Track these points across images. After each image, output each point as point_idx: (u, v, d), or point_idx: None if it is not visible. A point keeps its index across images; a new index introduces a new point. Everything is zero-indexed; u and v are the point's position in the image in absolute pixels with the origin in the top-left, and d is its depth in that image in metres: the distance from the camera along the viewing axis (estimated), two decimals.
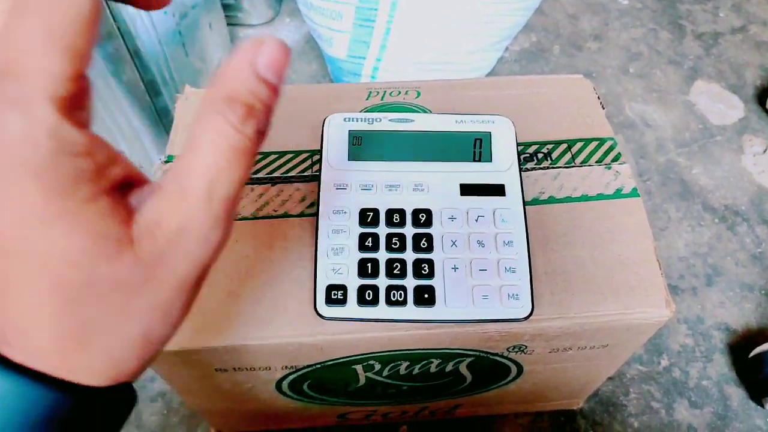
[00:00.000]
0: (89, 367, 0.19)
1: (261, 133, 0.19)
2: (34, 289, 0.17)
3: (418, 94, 0.47)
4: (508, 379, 0.46)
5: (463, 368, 0.42)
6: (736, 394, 0.61)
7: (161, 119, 0.67)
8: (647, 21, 1.04)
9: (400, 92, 0.47)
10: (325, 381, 0.43)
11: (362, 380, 0.43)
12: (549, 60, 0.98)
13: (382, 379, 0.43)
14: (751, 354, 0.61)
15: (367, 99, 0.47)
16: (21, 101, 0.15)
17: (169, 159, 0.42)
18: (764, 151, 0.85)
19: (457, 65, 0.80)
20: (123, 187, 0.19)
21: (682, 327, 0.66)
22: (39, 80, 0.16)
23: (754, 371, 0.60)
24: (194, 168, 0.18)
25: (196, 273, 0.20)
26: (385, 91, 0.47)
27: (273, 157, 0.42)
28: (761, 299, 0.68)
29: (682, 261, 0.72)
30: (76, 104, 0.17)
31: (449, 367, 0.42)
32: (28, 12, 0.16)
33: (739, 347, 0.64)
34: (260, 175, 0.41)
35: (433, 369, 0.42)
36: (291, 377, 0.41)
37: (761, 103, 0.90)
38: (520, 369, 0.43)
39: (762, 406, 0.60)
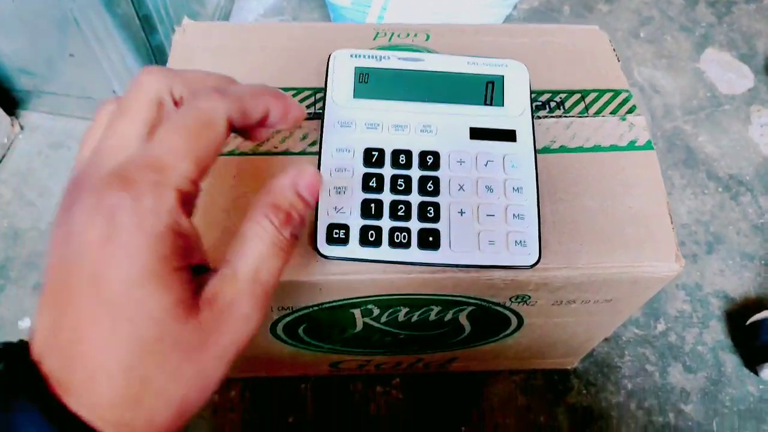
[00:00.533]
0: (132, 426, 0.20)
1: (295, 237, 0.25)
2: (114, 338, 0.20)
3: (428, 37, 0.45)
4: (507, 332, 0.45)
5: (462, 318, 0.42)
6: (731, 360, 0.61)
7: (156, 58, 0.64)
8: None
9: (408, 34, 0.45)
10: (322, 325, 0.42)
11: (359, 326, 0.42)
12: (558, 20, 0.95)
13: (379, 325, 0.42)
14: (748, 321, 0.61)
15: (374, 39, 0.45)
16: (158, 186, 0.21)
17: None
18: None
19: (466, 18, 0.78)
20: (197, 268, 0.23)
21: (680, 293, 0.66)
22: (174, 176, 0.21)
23: (750, 338, 0.60)
24: (244, 255, 0.23)
25: (235, 348, 0.23)
26: (393, 33, 0.45)
27: None
28: (761, 269, 0.68)
29: (684, 228, 0.71)
30: (189, 199, 0.22)
31: (449, 316, 0.41)
32: (181, 130, 0.22)
33: (736, 315, 0.64)
34: None
35: (432, 317, 0.41)
36: (287, 320, 0.40)
37: None
38: (520, 321, 0.43)
39: (756, 373, 0.60)
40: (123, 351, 0.20)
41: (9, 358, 0.20)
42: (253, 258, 0.23)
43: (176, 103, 0.24)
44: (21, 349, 0.21)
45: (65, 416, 0.19)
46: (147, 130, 0.23)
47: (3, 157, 0.73)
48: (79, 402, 0.20)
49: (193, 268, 0.22)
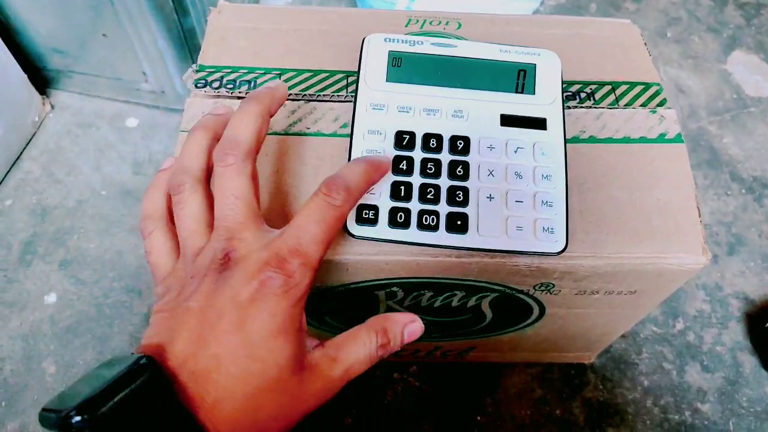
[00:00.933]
0: None
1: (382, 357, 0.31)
2: (245, 373, 0.25)
3: (459, 25, 0.45)
4: (529, 321, 0.45)
5: (485, 305, 0.42)
6: (749, 362, 0.61)
7: (187, 41, 0.65)
8: None
9: (440, 22, 0.46)
10: (346, 306, 0.42)
11: (383, 309, 0.42)
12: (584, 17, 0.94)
13: (402, 309, 0.42)
14: None
15: (405, 26, 0.45)
16: (303, 267, 0.27)
17: (201, 68, 0.41)
18: None
19: (492, 10, 0.78)
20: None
21: (700, 293, 0.65)
22: (313, 260, 0.27)
23: None
24: (348, 351, 0.29)
25: (315, 408, 0.28)
26: (425, 20, 0.46)
27: (307, 75, 0.41)
28: None
29: (705, 228, 0.70)
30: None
31: (472, 302, 0.41)
32: (322, 223, 0.28)
33: (756, 317, 0.63)
34: (293, 91, 0.40)
35: (455, 302, 0.41)
36: (311, 300, 0.40)
37: None
38: (542, 311, 0.43)
39: None
40: (250, 384, 0.25)
41: (151, 371, 0.24)
42: (353, 357, 0.29)
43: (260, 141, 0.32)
44: (157, 366, 0.25)
45: (194, 426, 0.24)
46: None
47: (33, 135, 0.74)
48: (206, 417, 0.24)
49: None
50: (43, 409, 0.23)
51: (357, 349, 0.29)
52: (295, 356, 0.27)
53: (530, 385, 0.59)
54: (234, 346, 0.26)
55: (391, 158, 0.35)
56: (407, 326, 0.31)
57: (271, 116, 0.32)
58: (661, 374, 0.60)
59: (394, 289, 0.39)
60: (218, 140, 0.31)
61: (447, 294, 0.40)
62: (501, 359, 0.59)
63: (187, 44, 0.66)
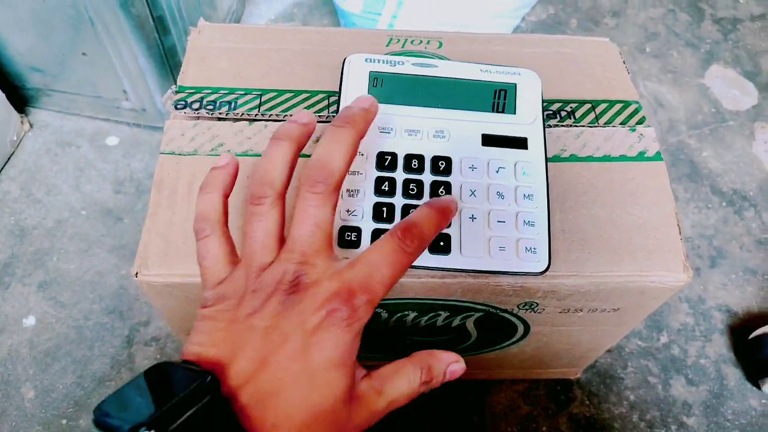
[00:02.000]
0: None
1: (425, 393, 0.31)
2: (304, 401, 0.25)
3: (440, 44, 0.46)
4: (514, 339, 0.45)
5: (469, 324, 0.42)
6: (733, 374, 0.61)
7: (168, 59, 0.65)
8: (667, 2, 1.02)
9: (421, 41, 0.46)
10: None
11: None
12: (565, 33, 0.96)
13: (387, 330, 0.42)
14: (751, 336, 0.61)
15: (387, 45, 0.45)
16: (368, 304, 0.27)
17: (180, 89, 0.40)
18: None
19: (475, 29, 0.78)
20: None
21: (683, 306, 0.66)
22: (377, 298, 0.27)
23: (753, 352, 0.60)
24: (393, 384, 0.29)
25: None
26: (406, 39, 0.46)
27: (288, 95, 0.41)
28: (764, 283, 0.68)
29: (687, 242, 0.71)
30: None
31: (456, 321, 0.41)
32: (390, 266, 0.28)
33: (739, 329, 0.64)
34: (274, 112, 0.40)
35: (439, 322, 0.41)
36: None
37: None
38: (527, 329, 0.43)
39: (758, 387, 0.60)
40: (307, 412, 0.25)
41: (212, 392, 0.24)
42: (398, 391, 0.29)
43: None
44: (215, 385, 0.25)
45: None
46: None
47: (11, 154, 0.73)
48: None
49: None
50: (102, 414, 0.23)
51: (401, 383, 0.29)
52: (349, 388, 0.27)
53: (516, 402, 0.59)
54: (296, 373, 0.26)
55: (373, 178, 0.35)
56: (451, 365, 0.31)
57: (361, 139, 0.32)
58: (646, 388, 0.60)
59: (378, 310, 0.39)
60: (300, 150, 0.31)
61: (431, 314, 0.40)
62: (487, 376, 0.59)
63: (168, 62, 0.65)
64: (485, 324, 0.42)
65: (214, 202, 0.31)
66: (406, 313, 0.40)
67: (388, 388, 0.28)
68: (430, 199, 0.33)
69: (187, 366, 0.25)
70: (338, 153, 0.30)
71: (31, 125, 0.76)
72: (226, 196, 0.32)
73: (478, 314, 0.40)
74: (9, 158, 0.72)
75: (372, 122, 0.33)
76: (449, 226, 0.34)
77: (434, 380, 0.30)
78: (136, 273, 0.34)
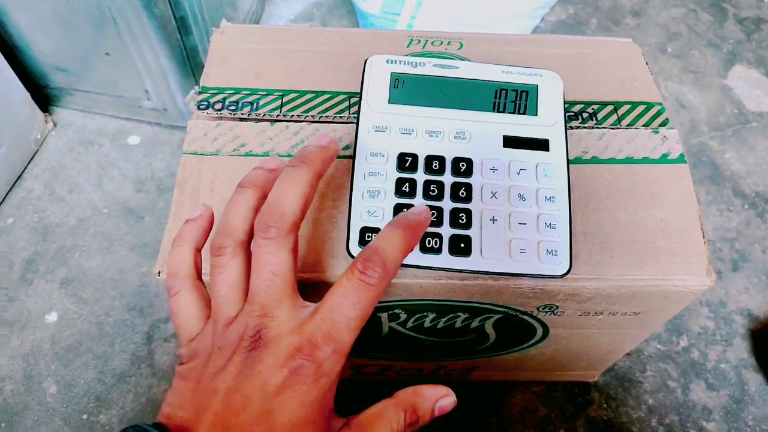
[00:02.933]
0: None
1: None
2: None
3: (461, 45, 0.46)
4: (532, 341, 0.45)
5: (488, 326, 0.42)
6: (754, 379, 0.60)
7: (189, 60, 0.65)
8: (688, 1, 1.01)
9: (442, 42, 0.46)
10: None
11: (385, 330, 0.42)
12: (585, 33, 0.95)
13: (405, 330, 0.42)
14: None
15: (407, 47, 0.45)
16: (335, 354, 0.26)
17: (203, 89, 0.41)
18: None
19: (494, 29, 0.78)
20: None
21: (704, 309, 0.65)
22: (346, 347, 0.26)
23: None
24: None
25: None
26: (426, 40, 0.46)
27: (309, 96, 0.41)
28: None
29: (709, 245, 0.70)
30: None
31: (475, 323, 0.41)
32: (357, 308, 0.26)
33: (761, 334, 0.63)
34: (296, 113, 0.40)
35: (458, 324, 0.41)
36: None
37: None
38: (546, 332, 0.43)
39: None
40: None
41: None
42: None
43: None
44: None
45: None
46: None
47: (35, 152, 0.74)
48: None
49: None
50: None
51: (383, 429, 0.27)
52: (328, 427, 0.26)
53: (534, 404, 0.59)
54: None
55: (394, 179, 0.35)
56: (439, 402, 0.29)
57: (320, 178, 0.31)
58: (665, 392, 0.59)
59: (397, 311, 0.39)
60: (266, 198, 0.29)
61: (450, 316, 0.40)
62: (505, 378, 0.58)
63: (190, 62, 0.66)
64: (504, 326, 0.42)
65: (184, 256, 0.30)
66: (425, 314, 0.40)
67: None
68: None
69: (157, 428, 0.25)
70: (291, 193, 0.28)
71: (54, 124, 0.77)
72: (198, 250, 0.31)
73: (497, 316, 0.40)
74: (33, 157, 0.74)
75: (332, 160, 0.32)
76: (470, 227, 0.34)
77: (420, 420, 0.28)
78: (159, 272, 0.34)
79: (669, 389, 0.60)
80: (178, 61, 0.64)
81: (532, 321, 0.41)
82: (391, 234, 0.28)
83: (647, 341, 0.62)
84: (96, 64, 0.67)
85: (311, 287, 0.35)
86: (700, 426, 0.58)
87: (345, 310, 0.26)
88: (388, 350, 0.48)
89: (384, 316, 0.40)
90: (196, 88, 0.41)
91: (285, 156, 0.38)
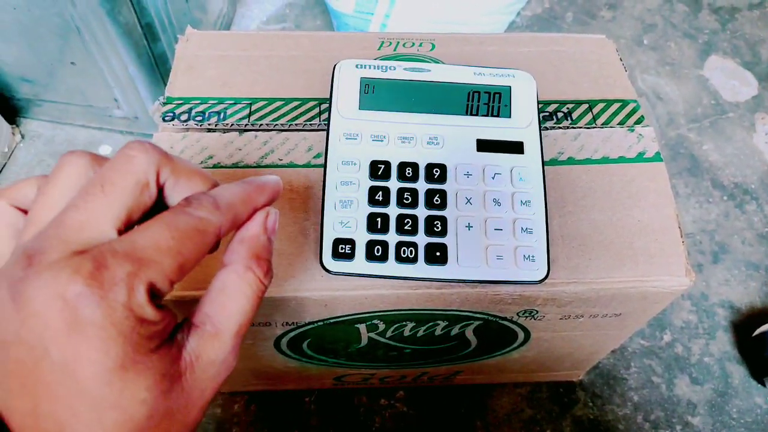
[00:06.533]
0: None
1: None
2: (100, 427, 0.20)
3: (433, 46, 0.45)
4: (514, 345, 0.44)
5: (469, 332, 0.41)
6: (738, 372, 0.61)
7: (158, 66, 0.64)
8: None
9: (414, 44, 0.45)
10: (326, 340, 0.41)
11: (364, 341, 0.41)
12: (561, 27, 0.95)
13: (384, 340, 0.41)
14: (755, 333, 0.60)
15: (378, 49, 0.44)
16: (132, 277, 0.20)
17: (169, 100, 0.39)
18: None
19: (469, 26, 0.77)
20: (173, 332, 0.22)
21: (686, 303, 0.65)
22: (153, 271, 0.20)
23: (757, 350, 0.59)
24: (227, 312, 0.23)
25: (214, 393, 0.23)
26: (398, 42, 0.45)
27: (278, 103, 0.40)
28: (767, 278, 0.67)
29: (689, 237, 0.70)
30: (161, 296, 0.21)
31: (455, 330, 0.40)
32: (173, 229, 0.21)
33: (743, 326, 0.63)
34: (264, 122, 0.39)
35: (438, 332, 0.40)
36: (291, 335, 0.39)
37: None
38: (527, 336, 0.42)
39: (763, 384, 0.59)
40: None
41: None
42: (238, 315, 0.23)
43: (159, 187, 0.23)
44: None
45: None
46: (125, 214, 0.22)
47: (3, 166, 0.72)
48: None
49: (171, 332, 0.22)
50: None
51: (238, 302, 0.23)
52: (161, 377, 0.21)
53: (520, 406, 0.58)
54: (71, 399, 0.20)
55: (367, 188, 0.34)
56: (269, 227, 0.25)
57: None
58: (650, 388, 0.59)
59: (375, 321, 0.38)
60: None
61: (430, 324, 0.39)
62: (489, 380, 0.58)
63: (159, 69, 0.64)
64: (485, 332, 0.41)
65: None
66: (404, 324, 0.39)
67: (223, 322, 0.23)
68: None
69: None
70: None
71: (22, 136, 0.75)
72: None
73: (477, 323, 0.39)
74: (1, 170, 0.72)
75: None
76: (445, 234, 0.33)
77: (269, 257, 0.25)
78: None
79: (654, 385, 0.60)
80: (146, 69, 0.63)
81: (513, 326, 0.40)
82: (230, 184, 0.25)
83: (631, 338, 0.62)
84: (62, 74, 0.66)
85: (292, 305, 0.35)
86: (686, 421, 0.58)
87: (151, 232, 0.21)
88: (369, 360, 0.47)
89: (362, 327, 0.39)
90: (161, 99, 0.40)
91: (254, 167, 0.37)
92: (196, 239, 0.22)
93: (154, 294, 0.21)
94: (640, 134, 0.40)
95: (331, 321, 0.37)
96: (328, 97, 0.37)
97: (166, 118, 0.39)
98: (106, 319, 0.19)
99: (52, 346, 0.19)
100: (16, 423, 0.20)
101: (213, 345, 0.22)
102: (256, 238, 0.25)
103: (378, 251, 0.33)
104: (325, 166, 0.35)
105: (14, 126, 0.74)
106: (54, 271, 0.19)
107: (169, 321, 0.22)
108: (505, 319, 0.39)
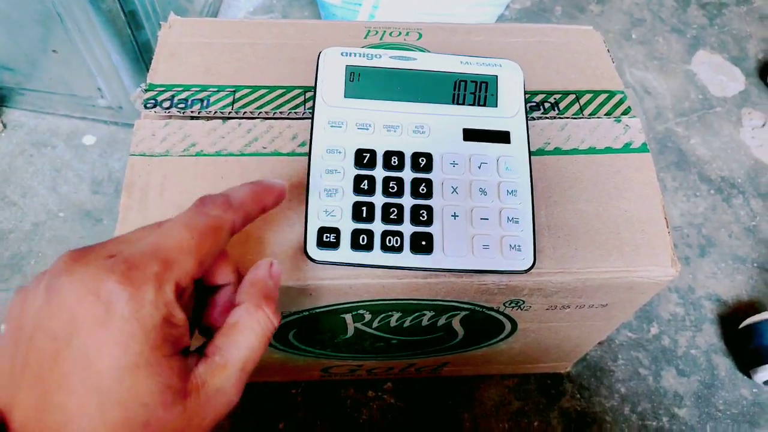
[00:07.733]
0: None
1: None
2: (102, 424, 0.20)
3: (420, 36, 0.44)
4: (501, 336, 0.44)
5: (455, 323, 0.41)
6: (724, 364, 0.61)
7: (143, 55, 0.63)
8: None
9: (400, 33, 0.44)
10: (312, 330, 0.41)
11: (351, 331, 0.41)
12: (550, 21, 0.94)
13: (371, 330, 0.41)
14: (741, 325, 0.60)
15: (365, 38, 0.44)
16: (160, 277, 0.22)
17: (150, 87, 0.39)
18: (763, 125, 0.83)
19: (458, 18, 0.77)
20: (185, 351, 0.24)
21: (672, 296, 0.65)
22: (177, 270, 0.22)
23: (744, 342, 0.59)
24: (237, 346, 0.24)
25: (214, 424, 0.23)
26: (384, 31, 0.45)
27: (262, 91, 0.39)
28: (753, 272, 0.67)
29: (676, 231, 0.70)
30: (185, 294, 0.23)
31: (442, 321, 0.40)
32: (192, 229, 0.23)
33: (729, 318, 0.64)
34: (248, 110, 0.38)
35: (425, 322, 0.40)
36: None
37: (762, 77, 0.89)
38: (514, 326, 0.42)
39: (749, 376, 0.59)
40: None
41: None
42: (246, 350, 0.24)
43: None
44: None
45: None
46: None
47: None
48: None
49: (183, 351, 0.23)
50: None
51: (247, 338, 0.24)
52: (167, 387, 0.21)
53: (507, 398, 0.58)
54: (82, 392, 0.20)
55: (352, 176, 0.34)
56: (273, 274, 0.27)
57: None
58: (637, 380, 0.59)
59: (361, 311, 0.38)
60: None
61: (416, 314, 0.39)
62: (476, 372, 0.58)
63: (143, 58, 0.63)
64: (471, 322, 0.41)
65: None
66: (390, 313, 0.38)
67: (232, 355, 0.24)
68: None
69: None
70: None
71: (4, 126, 0.73)
72: None
73: (463, 313, 0.39)
74: None
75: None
76: (431, 224, 0.33)
77: (276, 298, 0.26)
78: None
79: (641, 377, 0.60)
80: (130, 57, 0.62)
81: (500, 317, 0.40)
82: (240, 186, 0.28)
83: (618, 330, 0.62)
84: (44, 63, 0.65)
85: None
86: (672, 412, 0.58)
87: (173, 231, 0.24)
88: (356, 351, 0.46)
89: (348, 317, 0.39)
90: (143, 85, 0.39)
91: (237, 155, 0.36)
92: (213, 237, 0.24)
93: (180, 295, 0.23)
94: (627, 125, 0.40)
95: (317, 311, 0.37)
96: (313, 85, 0.37)
97: (148, 105, 0.38)
98: (133, 315, 0.21)
99: (75, 339, 0.20)
100: (18, 418, 0.20)
101: (219, 375, 0.24)
102: (264, 281, 0.26)
103: (363, 240, 0.33)
104: (309, 154, 0.35)
105: None
106: (90, 269, 0.21)
107: (186, 330, 0.23)
108: (491, 309, 0.38)
